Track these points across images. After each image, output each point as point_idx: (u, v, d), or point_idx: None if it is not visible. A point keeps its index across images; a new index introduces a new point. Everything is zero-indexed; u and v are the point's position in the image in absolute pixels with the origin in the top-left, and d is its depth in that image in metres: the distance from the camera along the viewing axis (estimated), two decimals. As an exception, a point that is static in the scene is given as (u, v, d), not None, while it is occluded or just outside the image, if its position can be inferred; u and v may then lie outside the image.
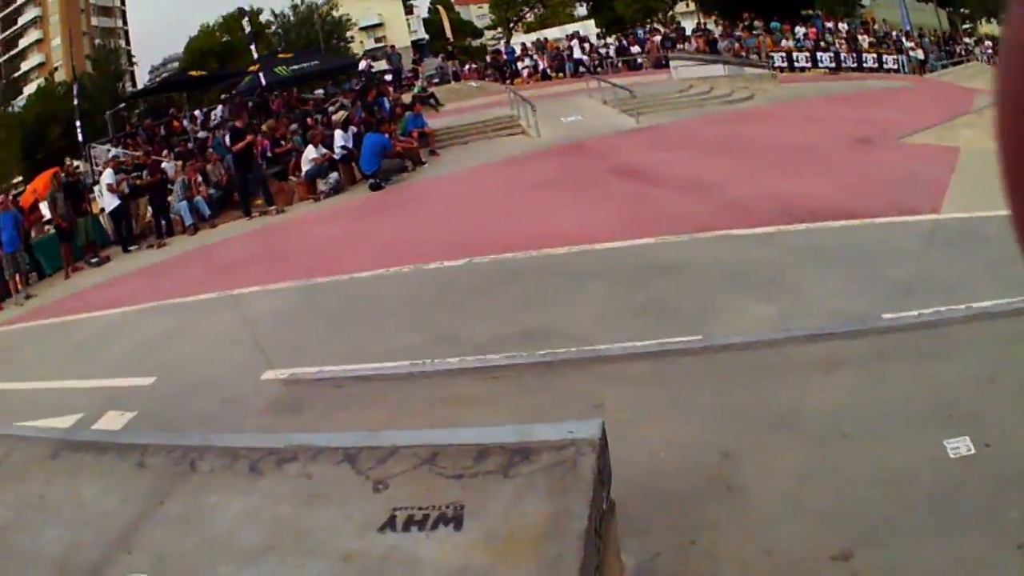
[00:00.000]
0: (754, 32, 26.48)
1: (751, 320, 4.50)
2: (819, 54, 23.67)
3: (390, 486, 2.52)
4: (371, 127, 13.78)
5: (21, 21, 73.84)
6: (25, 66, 68.60)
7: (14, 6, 72.66)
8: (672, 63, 20.59)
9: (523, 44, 30.16)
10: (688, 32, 28.66)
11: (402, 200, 11.21)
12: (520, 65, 27.27)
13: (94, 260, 13.45)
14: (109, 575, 2.26)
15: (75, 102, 23.52)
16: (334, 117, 15.70)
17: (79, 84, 25.64)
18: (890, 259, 5.22)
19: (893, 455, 3.07)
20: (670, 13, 43.33)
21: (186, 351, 5.99)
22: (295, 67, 22.41)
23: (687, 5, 46.75)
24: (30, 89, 59.96)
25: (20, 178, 46.83)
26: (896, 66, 23.18)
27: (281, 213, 12.48)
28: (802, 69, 23.29)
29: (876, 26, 26.87)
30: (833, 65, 23.26)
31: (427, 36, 63.20)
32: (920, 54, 24.72)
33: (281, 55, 24.88)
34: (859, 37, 25.44)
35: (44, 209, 16.21)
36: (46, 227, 15.98)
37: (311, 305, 6.51)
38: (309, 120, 15.84)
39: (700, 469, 3.17)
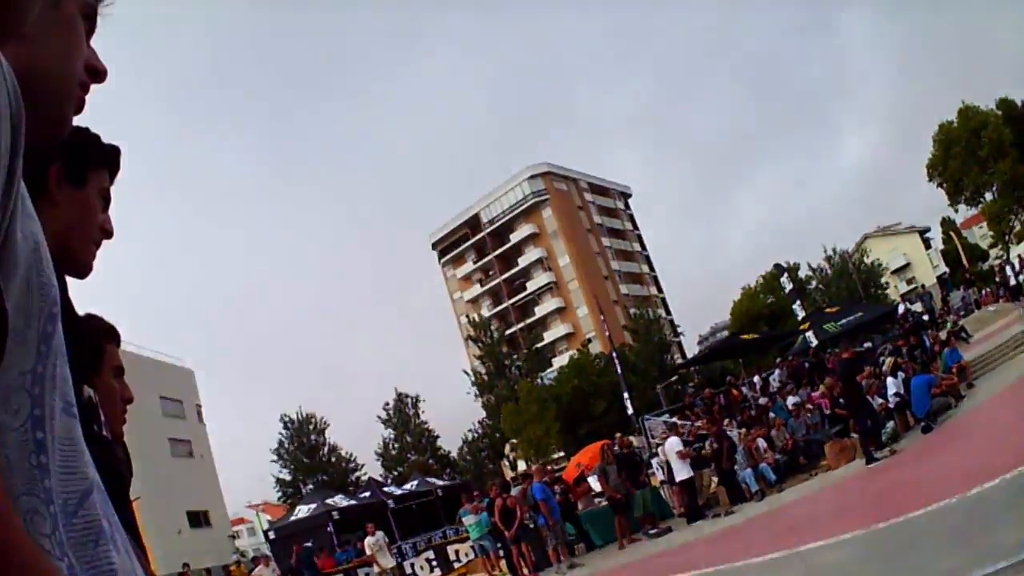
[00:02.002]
0: None
1: None
2: None
3: None
4: (915, 370, 14.47)
5: (531, 287, 77.01)
6: (548, 336, 73.87)
7: (516, 269, 76.43)
8: None
9: (1019, 256, 30.78)
10: None
11: (956, 443, 10.76)
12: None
13: (652, 531, 13.19)
14: None
15: (619, 372, 23.74)
16: (884, 367, 15.72)
17: (619, 355, 25.39)
18: None
19: None
20: None
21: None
22: (843, 321, 22.60)
23: None
24: (560, 360, 62.12)
25: (561, 452, 47.53)
26: None
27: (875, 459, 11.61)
28: None
29: None
30: None
31: (947, 269, 62.39)
32: None
33: (828, 310, 25.23)
34: None
35: (593, 482, 16.64)
36: (596, 500, 16.37)
37: (878, 556, 6.28)
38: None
39: None
